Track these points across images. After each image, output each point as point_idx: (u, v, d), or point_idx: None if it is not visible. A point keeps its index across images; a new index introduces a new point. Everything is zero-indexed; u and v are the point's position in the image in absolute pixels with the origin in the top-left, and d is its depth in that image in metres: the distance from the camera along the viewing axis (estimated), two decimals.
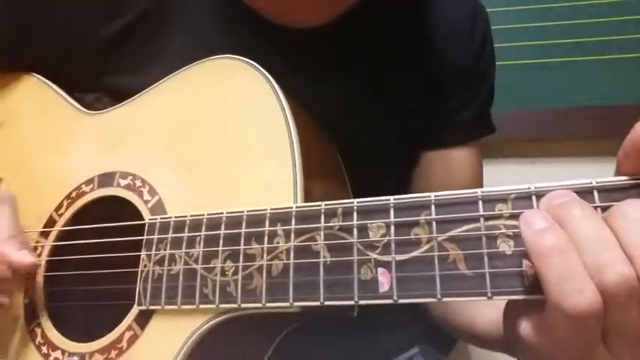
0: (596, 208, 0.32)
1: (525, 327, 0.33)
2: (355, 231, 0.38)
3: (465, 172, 0.66)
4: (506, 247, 0.34)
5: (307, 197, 0.43)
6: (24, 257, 0.49)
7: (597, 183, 0.32)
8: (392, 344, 0.67)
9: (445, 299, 0.35)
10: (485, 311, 0.53)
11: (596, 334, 0.30)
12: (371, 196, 0.39)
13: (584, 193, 0.32)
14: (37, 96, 0.62)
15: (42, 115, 0.62)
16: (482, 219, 0.35)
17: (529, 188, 0.34)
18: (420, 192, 0.66)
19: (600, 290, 0.29)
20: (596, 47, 1.10)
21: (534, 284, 0.32)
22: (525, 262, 0.33)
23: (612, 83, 1.08)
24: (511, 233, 0.34)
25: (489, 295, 0.33)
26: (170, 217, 0.47)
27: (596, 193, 0.32)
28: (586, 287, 0.29)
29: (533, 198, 0.34)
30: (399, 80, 0.60)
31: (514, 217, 0.34)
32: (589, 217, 0.30)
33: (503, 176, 0.68)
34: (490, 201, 0.35)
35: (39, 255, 0.54)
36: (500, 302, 0.36)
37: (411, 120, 0.62)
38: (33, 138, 0.62)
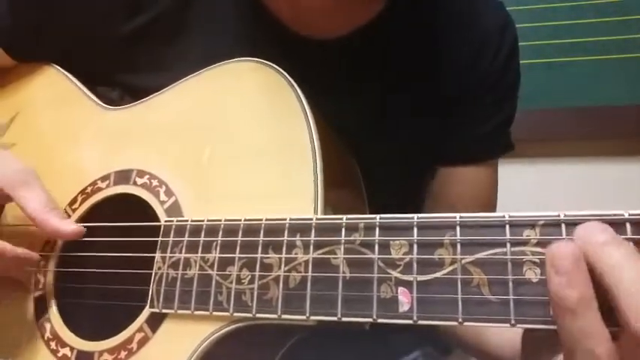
0: (628, 240, 0.31)
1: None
2: (376, 247, 0.38)
3: (480, 190, 0.65)
4: (532, 274, 0.33)
5: (325, 206, 0.43)
6: (68, 225, 0.50)
7: (630, 215, 0.32)
8: (395, 346, 0.67)
9: (467, 323, 0.34)
10: (498, 329, 0.52)
11: None
12: (380, 210, 0.39)
13: (616, 225, 0.32)
14: (55, 87, 0.62)
15: (59, 106, 0.61)
16: (508, 244, 0.34)
17: (558, 216, 0.33)
18: (434, 208, 0.66)
19: None
20: (596, 47, 1.09)
21: None
22: None
23: (612, 83, 1.07)
24: (537, 261, 0.33)
25: (513, 322, 0.33)
26: (187, 220, 0.46)
27: (628, 226, 0.32)
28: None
29: (563, 226, 0.33)
30: (416, 95, 0.59)
31: (542, 244, 0.33)
32: (631, 258, 0.29)
33: (503, 176, 0.68)
34: (518, 226, 0.34)
35: (51, 249, 0.54)
36: None
37: (427, 135, 0.61)
38: (49, 130, 0.61)
